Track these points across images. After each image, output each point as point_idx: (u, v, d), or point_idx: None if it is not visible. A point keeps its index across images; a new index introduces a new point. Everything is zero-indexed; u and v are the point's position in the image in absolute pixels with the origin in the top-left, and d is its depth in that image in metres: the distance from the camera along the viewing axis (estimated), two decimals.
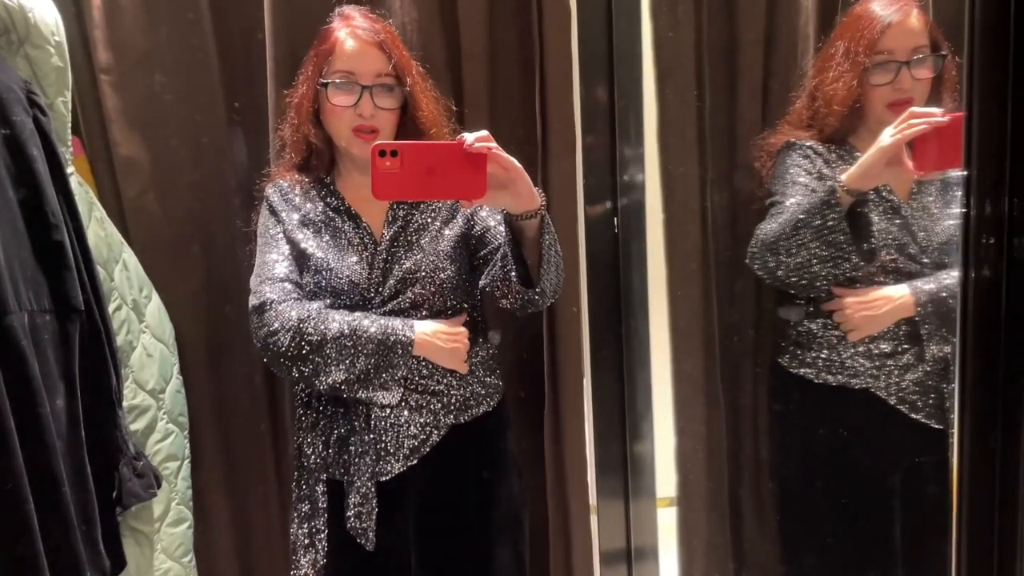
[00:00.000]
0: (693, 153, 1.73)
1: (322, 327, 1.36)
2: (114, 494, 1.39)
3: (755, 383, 1.82)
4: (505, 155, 1.23)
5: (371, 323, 1.38)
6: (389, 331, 1.38)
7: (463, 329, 1.44)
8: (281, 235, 1.45)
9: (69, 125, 1.42)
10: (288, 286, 1.41)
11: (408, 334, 1.39)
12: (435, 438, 1.44)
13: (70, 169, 1.40)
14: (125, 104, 1.59)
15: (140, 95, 1.61)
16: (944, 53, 1.52)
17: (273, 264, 1.43)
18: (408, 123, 1.46)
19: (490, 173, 1.21)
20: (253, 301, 1.41)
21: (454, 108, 1.54)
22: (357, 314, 1.39)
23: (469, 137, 1.20)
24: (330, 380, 1.37)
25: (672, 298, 1.77)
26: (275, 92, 1.60)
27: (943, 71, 1.53)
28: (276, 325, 1.37)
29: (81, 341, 1.33)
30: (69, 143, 1.43)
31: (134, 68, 1.60)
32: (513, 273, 1.33)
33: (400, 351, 1.38)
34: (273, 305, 1.38)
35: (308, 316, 1.37)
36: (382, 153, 1.18)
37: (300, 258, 1.43)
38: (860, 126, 1.59)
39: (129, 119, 1.60)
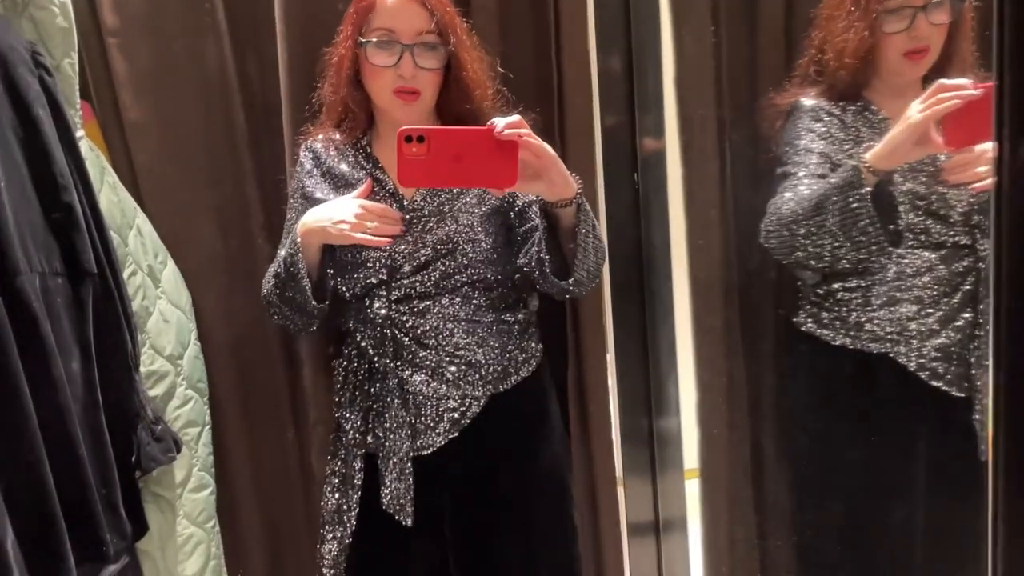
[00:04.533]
0: (711, 96, 1.66)
1: (268, 284, 1.43)
2: (133, 458, 1.38)
3: (776, 335, 1.76)
4: (538, 141, 1.18)
5: (281, 252, 1.41)
6: (285, 253, 1.38)
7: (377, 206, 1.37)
8: (299, 207, 1.45)
9: (77, 87, 1.40)
10: None
11: (294, 241, 1.36)
12: (475, 409, 1.40)
13: (80, 132, 1.39)
14: (134, 68, 1.57)
15: (148, 58, 1.58)
16: None
17: (284, 241, 1.46)
18: (452, 83, 1.40)
19: (522, 160, 1.17)
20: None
21: (500, 69, 1.48)
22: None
23: (500, 123, 1.15)
24: (301, 322, 1.43)
25: (691, 248, 1.72)
26: (285, 53, 1.57)
27: (961, 16, 1.43)
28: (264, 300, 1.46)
29: (95, 305, 1.31)
30: (78, 106, 1.41)
31: (141, 31, 1.57)
32: (547, 264, 1.29)
33: (296, 264, 1.36)
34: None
35: (266, 282, 1.45)
36: (408, 139, 1.14)
37: None
38: (872, 78, 1.50)
39: (138, 83, 1.57)
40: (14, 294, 1.16)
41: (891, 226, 1.41)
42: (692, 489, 1.84)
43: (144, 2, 1.57)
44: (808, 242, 1.43)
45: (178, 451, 1.48)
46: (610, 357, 1.75)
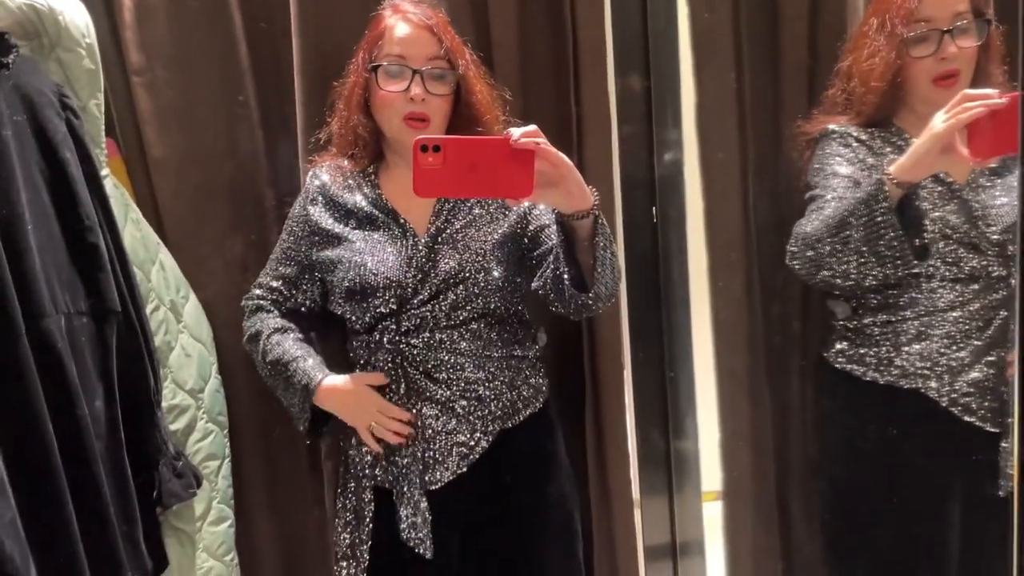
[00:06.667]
0: (733, 139, 1.66)
1: (267, 348, 1.47)
2: (154, 494, 1.39)
3: (801, 377, 1.75)
4: (554, 151, 1.17)
5: (295, 363, 1.44)
6: (301, 372, 1.43)
7: (395, 411, 1.40)
8: (300, 232, 1.48)
9: (103, 127, 1.42)
10: (276, 294, 1.51)
11: (310, 390, 1.42)
12: (484, 444, 1.40)
13: (104, 171, 1.41)
14: (157, 105, 1.59)
15: (172, 95, 1.60)
16: (988, 18, 1.41)
17: (276, 265, 1.52)
18: (461, 110, 1.41)
19: (538, 170, 1.16)
20: (244, 301, 1.54)
21: (509, 97, 1.48)
22: (298, 349, 1.46)
23: (516, 132, 1.14)
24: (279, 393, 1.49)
25: (713, 290, 1.71)
26: (303, 90, 1.59)
27: (988, 40, 1.42)
28: (248, 331, 1.51)
29: (118, 342, 1.33)
30: (103, 145, 1.43)
31: (166, 69, 1.59)
32: (566, 276, 1.28)
33: (302, 393, 1.43)
34: (252, 311, 1.53)
35: (262, 333, 1.49)
36: (424, 148, 1.14)
37: (334, 251, 1.42)
38: (902, 107, 1.49)
39: (162, 119, 1.59)
40: (40, 336, 1.18)
41: (916, 241, 1.37)
42: (709, 511, 1.83)
43: (168, 41, 1.59)
44: (833, 260, 1.41)
45: (198, 486, 1.49)
46: (627, 375, 1.74)
